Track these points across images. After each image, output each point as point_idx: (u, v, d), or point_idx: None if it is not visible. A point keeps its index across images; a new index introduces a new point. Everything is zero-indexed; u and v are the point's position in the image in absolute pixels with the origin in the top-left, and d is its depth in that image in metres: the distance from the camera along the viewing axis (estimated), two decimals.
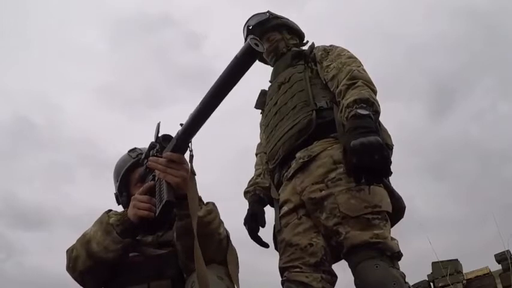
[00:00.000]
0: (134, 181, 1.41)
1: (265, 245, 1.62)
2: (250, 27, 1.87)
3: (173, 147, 1.05)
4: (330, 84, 1.57)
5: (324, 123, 1.50)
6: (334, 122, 1.48)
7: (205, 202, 1.20)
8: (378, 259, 1.26)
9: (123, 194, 1.43)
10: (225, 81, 0.88)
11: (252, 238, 1.64)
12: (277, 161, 1.61)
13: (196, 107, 0.94)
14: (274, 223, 1.58)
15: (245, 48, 0.82)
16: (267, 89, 1.88)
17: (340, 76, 1.51)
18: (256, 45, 0.81)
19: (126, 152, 1.49)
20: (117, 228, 1.15)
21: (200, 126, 0.98)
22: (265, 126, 1.76)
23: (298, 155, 1.51)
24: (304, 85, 1.62)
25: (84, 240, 1.18)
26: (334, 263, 1.44)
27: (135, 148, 1.49)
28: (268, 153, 1.69)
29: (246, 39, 1.90)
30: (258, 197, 1.70)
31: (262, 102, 1.85)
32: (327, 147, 1.46)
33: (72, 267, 1.19)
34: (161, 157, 1.07)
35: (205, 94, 0.92)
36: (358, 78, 1.46)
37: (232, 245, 1.25)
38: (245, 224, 1.66)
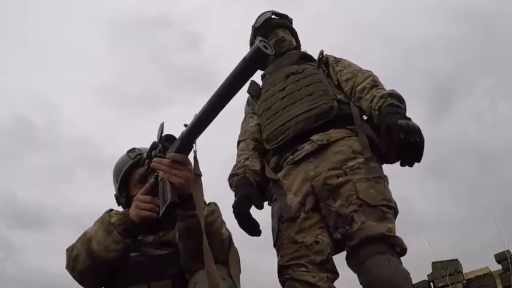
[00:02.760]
0: (134, 182, 1.40)
1: (256, 231, 1.44)
2: (272, 16, 1.94)
3: (177, 148, 1.04)
4: (344, 84, 1.62)
5: (342, 114, 1.52)
6: (351, 116, 1.52)
7: (207, 202, 1.19)
8: (389, 254, 1.26)
9: (122, 195, 1.42)
10: (233, 82, 0.88)
11: (243, 220, 1.44)
12: (283, 141, 1.55)
13: (202, 108, 0.94)
14: (270, 219, 1.54)
15: (254, 51, 0.82)
16: (257, 80, 1.88)
17: (358, 79, 1.58)
18: (265, 47, 0.81)
19: (125, 152, 1.48)
20: (118, 228, 1.15)
21: (205, 127, 0.98)
22: (265, 109, 1.70)
23: (315, 137, 1.48)
24: (322, 78, 1.65)
25: (85, 239, 1.17)
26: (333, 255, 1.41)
27: (134, 148, 1.48)
28: (268, 134, 1.62)
29: (262, 24, 1.95)
30: (247, 180, 1.55)
31: (255, 89, 1.84)
32: (345, 137, 1.47)
33: (72, 266, 1.18)
34: (165, 157, 1.06)
35: (211, 95, 0.91)
36: (380, 84, 1.54)
37: (234, 245, 1.24)
38: (236, 207, 1.46)
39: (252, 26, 1.97)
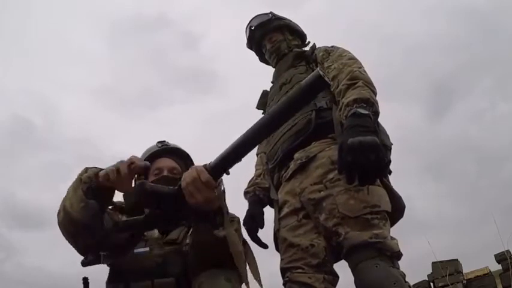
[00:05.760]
0: (153, 169, 1.41)
1: (264, 245, 1.62)
2: (253, 28, 1.89)
3: (213, 167, 1.00)
4: (331, 84, 1.56)
5: (323, 123, 1.50)
6: (333, 123, 1.48)
7: (231, 216, 1.21)
8: (378, 259, 1.25)
9: (140, 178, 1.42)
10: (287, 108, 0.89)
11: (251, 238, 1.64)
12: (276, 161, 1.61)
13: (245, 134, 0.93)
14: (274, 224, 1.58)
15: (313, 78, 0.83)
16: (268, 89, 1.87)
17: (341, 76, 1.51)
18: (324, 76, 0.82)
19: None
20: (83, 185, 1.07)
21: (247, 152, 0.97)
22: None
23: (296, 155, 1.51)
24: None
25: (66, 194, 1.13)
26: (334, 263, 1.43)
27: (164, 141, 1.52)
28: (267, 153, 1.69)
29: (248, 40, 1.95)
30: (257, 197, 1.70)
31: (263, 102, 1.85)
32: (325, 148, 1.46)
33: (57, 219, 1.13)
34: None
35: (258, 121, 0.91)
36: (359, 79, 1.45)
37: (250, 250, 1.26)
38: (244, 224, 1.66)
39: (248, 27, 1.93)
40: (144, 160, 1.40)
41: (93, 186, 1.07)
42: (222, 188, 1.03)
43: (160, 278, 1.15)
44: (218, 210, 1.05)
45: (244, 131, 0.93)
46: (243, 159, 0.98)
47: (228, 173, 1.01)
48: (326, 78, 0.81)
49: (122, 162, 1.07)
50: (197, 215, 1.06)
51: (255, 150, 1.80)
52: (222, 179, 1.02)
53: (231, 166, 0.99)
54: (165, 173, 1.40)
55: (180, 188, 1.02)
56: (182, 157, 1.49)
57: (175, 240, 1.25)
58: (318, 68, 0.82)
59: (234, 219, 1.27)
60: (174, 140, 1.56)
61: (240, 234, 1.26)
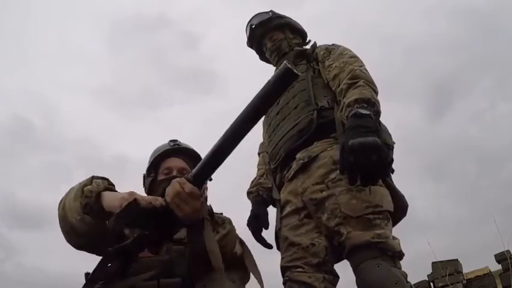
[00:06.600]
0: (163, 168, 1.41)
1: (268, 246, 1.62)
2: (253, 26, 1.88)
3: (195, 175, 0.98)
4: (332, 83, 1.56)
5: (325, 122, 1.49)
6: (335, 122, 1.47)
7: (222, 219, 1.20)
8: (380, 259, 1.25)
9: (150, 175, 1.43)
10: (259, 104, 0.86)
11: (255, 239, 1.63)
12: (278, 161, 1.60)
13: (219, 140, 0.91)
14: (275, 223, 1.58)
15: (281, 72, 0.81)
16: None
17: (342, 75, 1.51)
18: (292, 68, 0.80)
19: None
20: (83, 199, 1.07)
21: (222, 161, 0.94)
22: (267, 126, 1.75)
23: (298, 155, 1.50)
24: (306, 85, 1.61)
25: (69, 191, 1.13)
26: (335, 263, 1.43)
27: (176, 140, 1.51)
28: (269, 153, 1.68)
29: (249, 39, 1.94)
30: (261, 197, 1.70)
31: None
32: (327, 148, 1.46)
33: (58, 209, 1.14)
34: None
35: (231, 123, 0.89)
36: (360, 78, 1.45)
37: (248, 251, 1.26)
38: (249, 225, 1.66)
39: (248, 25, 1.92)
40: (155, 157, 1.43)
41: (91, 204, 1.06)
42: (206, 195, 1.02)
43: (166, 278, 1.13)
44: (203, 218, 1.05)
45: (222, 133, 0.91)
46: (225, 161, 0.95)
47: (210, 179, 1.00)
48: (295, 70, 0.80)
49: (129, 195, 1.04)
50: (187, 226, 1.06)
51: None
52: (206, 186, 1.01)
53: (213, 171, 0.97)
54: (175, 173, 1.39)
55: (167, 203, 1.00)
56: (192, 158, 1.48)
57: (183, 240, 1.22)
58: (285, 61, 0.81)
59: (224, 220, 1.27)
60: None
61: (234, 235, 1.25)
